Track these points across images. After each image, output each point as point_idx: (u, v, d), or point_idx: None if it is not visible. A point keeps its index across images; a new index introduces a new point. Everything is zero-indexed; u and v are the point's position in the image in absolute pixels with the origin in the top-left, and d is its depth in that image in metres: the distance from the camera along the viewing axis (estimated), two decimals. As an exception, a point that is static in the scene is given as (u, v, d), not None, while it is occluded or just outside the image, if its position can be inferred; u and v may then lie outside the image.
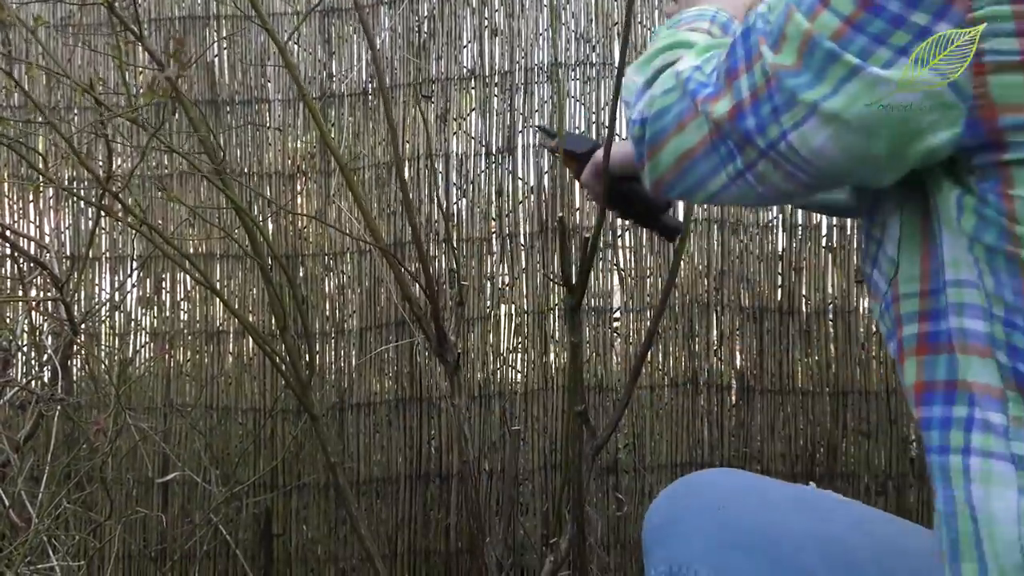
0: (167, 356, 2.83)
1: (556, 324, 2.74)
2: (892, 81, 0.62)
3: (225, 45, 2.88)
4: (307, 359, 2.28)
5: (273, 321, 2.58)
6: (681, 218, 2.06)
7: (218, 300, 2.84)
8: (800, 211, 2.65)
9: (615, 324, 2.71)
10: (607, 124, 1.86)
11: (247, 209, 2.70)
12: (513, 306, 2.76)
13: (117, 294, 2.89)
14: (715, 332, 2.69)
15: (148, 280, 2.91)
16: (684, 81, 0.80)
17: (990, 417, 0.66)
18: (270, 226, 2.82)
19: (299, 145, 2.86)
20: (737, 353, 2.69)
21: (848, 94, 0.65)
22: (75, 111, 2.92)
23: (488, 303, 2.76)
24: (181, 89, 1.89)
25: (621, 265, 2.71)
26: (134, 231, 2.80)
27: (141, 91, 2.01)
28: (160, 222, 2.87)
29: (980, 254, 0.66)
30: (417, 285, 2.36)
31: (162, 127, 1.81)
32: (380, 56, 2.57)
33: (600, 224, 2.17)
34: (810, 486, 1.02)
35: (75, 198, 2.85)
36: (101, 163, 2.64)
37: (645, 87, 0.88)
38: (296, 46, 2.82)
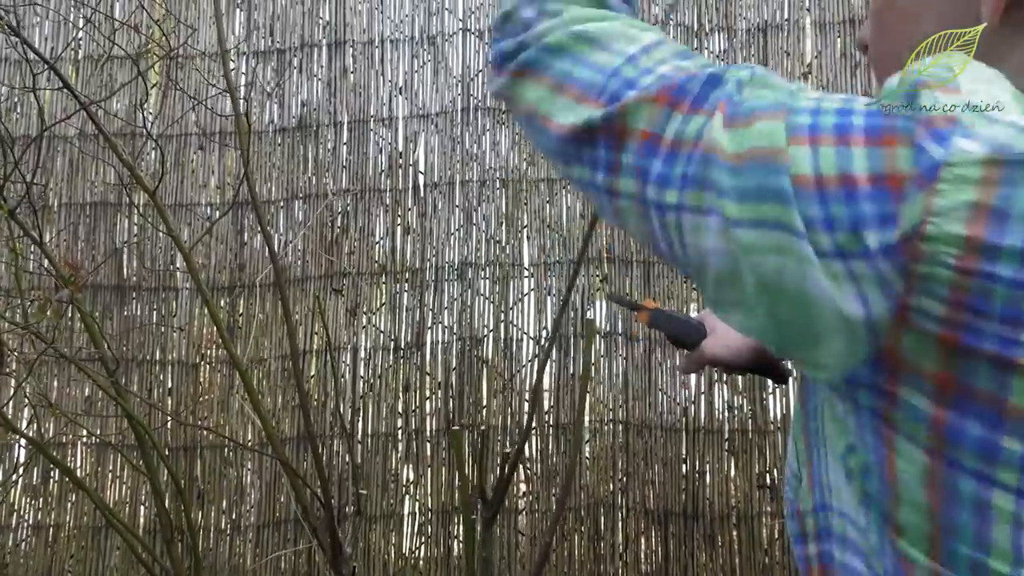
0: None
1: (460, 524, 2.68)
2: (817, 269, 0.54)
3: (135, 232, 2.87)
4: (192, 563, 2.18)
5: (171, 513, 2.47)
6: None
7: (111, 490, 2.73)
8: (702, 414, 2.70)
9: (520, 525, 2.67)
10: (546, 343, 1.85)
11: (144, 398, 2.64)
12: (417, 503, 2.71)
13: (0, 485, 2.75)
14: (620, 535, 2.67)
15: (36, 469, 2.78)
16: (611, 66, 0.66)
17: None
18: (168, 419, 2.75)
19: (204, 334, 2.82)
20: (642, 557, 2.66)
21: (767, 241, 0.56)
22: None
23: (391, 501, 2.70)
24: (86, 278, 1.87)
25: (527, 465, 2.69)
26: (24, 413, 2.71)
27: (41, 296, 1.97)
28: (57, 406, 2.77)
29: (872, 512, 0.59)
30: (313, 491, 2.30)
31: (53, 342, 1.76)
32: (276, 252, 2.58)
33: (524, 442, 2.18)
34: None
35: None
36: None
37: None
38: (209, 236, 2.83)
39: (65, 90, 2.43)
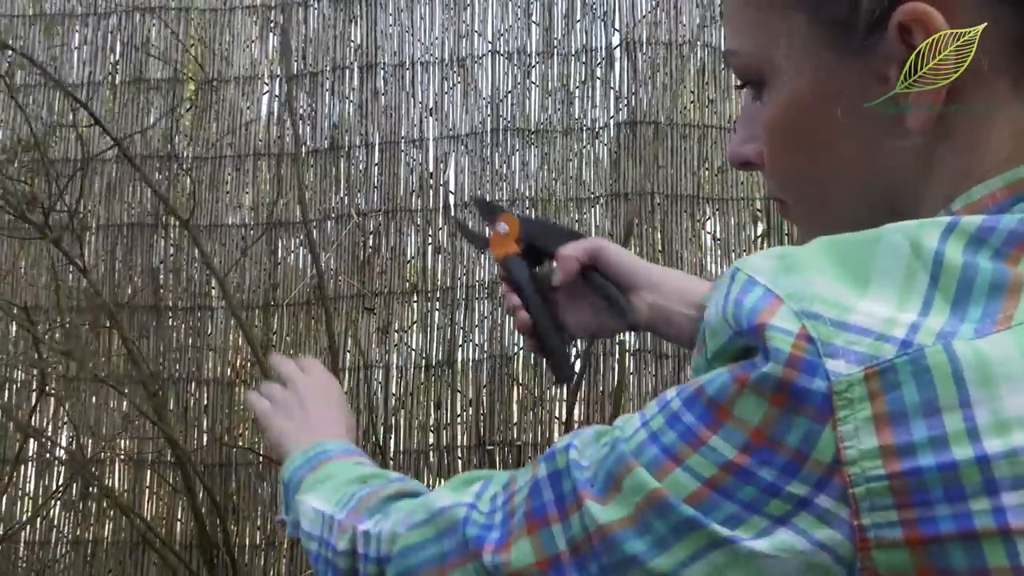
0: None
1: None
2: (767, 554, 0.55)
3: (171, 252, 2.93)
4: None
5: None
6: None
7: (148, 507, 2.79)
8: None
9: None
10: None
11: (182, 415, 2.69)
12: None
13: (40, 500, 2.80)
14: None
15: (75, 485, 2.83)
16: (455, 520, 0.67)
17: None
18: (206, 435, 2.80)
19: (240, 353, 2.87)
20: None
21: (713, 565, 0.56)
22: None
23: (424, 518, 2.73)
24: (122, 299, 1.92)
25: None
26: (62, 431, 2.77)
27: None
28: (92, 423, 2.83)
29: None
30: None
31: (93, 359, 1.81)
32: (323, 270, 2.62)
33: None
34: None
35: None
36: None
37: (368, 516, 0.76)
38: (244, 256, 2.87)
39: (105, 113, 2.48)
